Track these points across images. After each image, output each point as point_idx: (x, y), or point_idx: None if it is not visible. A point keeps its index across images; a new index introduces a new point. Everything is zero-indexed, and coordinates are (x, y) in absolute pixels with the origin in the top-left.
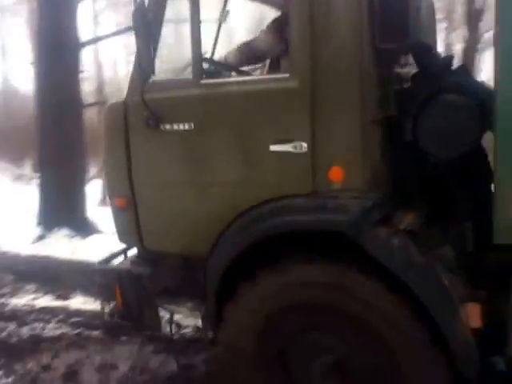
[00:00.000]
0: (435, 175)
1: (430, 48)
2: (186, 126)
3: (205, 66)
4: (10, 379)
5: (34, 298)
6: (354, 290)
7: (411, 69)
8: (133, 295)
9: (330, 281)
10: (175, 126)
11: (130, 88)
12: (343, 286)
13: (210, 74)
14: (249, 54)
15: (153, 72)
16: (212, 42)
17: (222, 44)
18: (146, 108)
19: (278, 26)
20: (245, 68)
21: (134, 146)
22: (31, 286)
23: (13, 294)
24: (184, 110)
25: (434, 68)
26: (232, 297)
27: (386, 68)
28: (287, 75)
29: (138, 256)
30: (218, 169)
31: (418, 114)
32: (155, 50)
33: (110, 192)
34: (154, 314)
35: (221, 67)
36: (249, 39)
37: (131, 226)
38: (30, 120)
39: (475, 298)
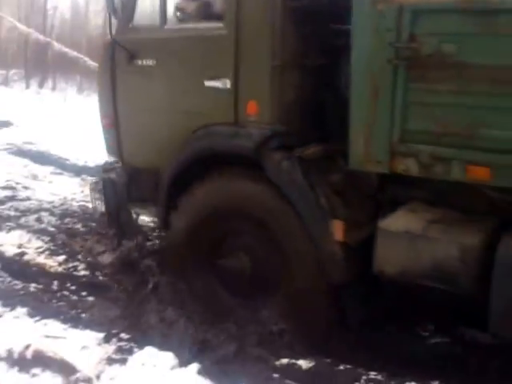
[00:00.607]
0: None
1: None
2: (151, 63)
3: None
4: None
5: None
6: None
7: None
8: (111, 200)
9: (248, 192)
10: (144, 62)
11: (115, 29)
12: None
13: (179, 20)
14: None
15: (131, 18)
16: None
17: None
18: (121, 46)
19: None
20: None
21: (117, 76)
22: None
23: None
24: (151, 49)
25: None
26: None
27: (311, 22)
28: (220, 24)
29: (121, 168)
30: (170, 99)
31: (342, 62)
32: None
33: (100, 113)
34: (128, 218)
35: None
36: None
37: (114, 142)
38: None
39: (352, 218)
